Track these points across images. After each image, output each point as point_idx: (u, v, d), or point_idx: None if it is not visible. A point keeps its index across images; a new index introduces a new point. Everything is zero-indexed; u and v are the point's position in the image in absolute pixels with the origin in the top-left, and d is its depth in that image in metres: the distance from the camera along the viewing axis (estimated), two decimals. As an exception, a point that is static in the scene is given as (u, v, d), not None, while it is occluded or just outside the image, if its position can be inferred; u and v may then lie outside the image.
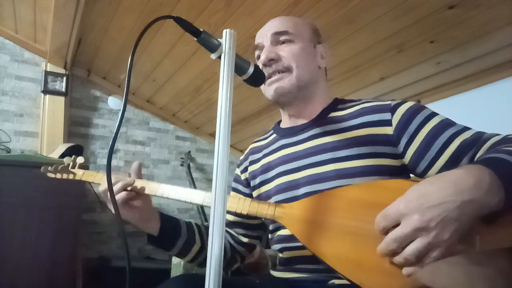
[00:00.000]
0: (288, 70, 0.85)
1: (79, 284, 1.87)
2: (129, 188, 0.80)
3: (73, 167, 0.94)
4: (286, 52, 0.86)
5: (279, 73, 0.86)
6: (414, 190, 0.54)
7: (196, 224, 0.94)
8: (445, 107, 1.84)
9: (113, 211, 0.72)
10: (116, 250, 2.44)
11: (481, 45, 1.54)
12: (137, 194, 0.81)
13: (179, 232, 0.88)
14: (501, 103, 1.67)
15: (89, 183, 0.92)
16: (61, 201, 1.80)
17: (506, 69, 1.63)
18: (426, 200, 0.52)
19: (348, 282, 0.61)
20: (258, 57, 0.92)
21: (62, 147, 2.06)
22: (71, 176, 0.93)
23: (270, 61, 0.86)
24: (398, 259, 0.53)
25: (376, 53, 1.71)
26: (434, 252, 0.50)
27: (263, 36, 0.89)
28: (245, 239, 0.98)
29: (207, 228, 0.95)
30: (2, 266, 1.63)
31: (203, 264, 0.91)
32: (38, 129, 2.33)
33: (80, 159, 0.94)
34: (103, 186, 0.79)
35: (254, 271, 1.73)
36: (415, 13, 1.43)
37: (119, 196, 0.77)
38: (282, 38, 0.87)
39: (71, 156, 0.96)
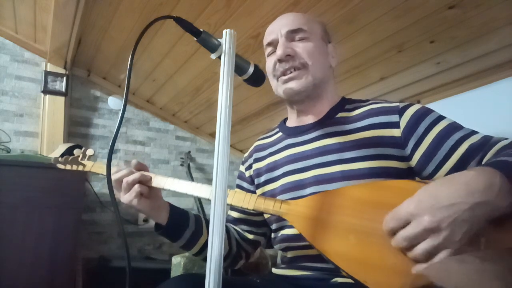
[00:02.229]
0: (304, 67, 0.84)
1: (79, 284, 1.87)
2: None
3: (83, 158, 0.95)
4: (302, 49, 0.84)
5: (295, 70, 0.84)
6: (425, 190, 0.54)
7: (205, 218, 0.94)
8: (445, 107, 1.84)
9: (123, 200, 0.78)
10: (116, 250, 2.44)
11: (481, 45, 1.54)
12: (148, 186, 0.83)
13: (187, 223, 0.88)
14: (501, 103, 1.66)
15: (89, 183, 0.93)
16: (61, 201, 1.81)
17: (506, 69, 1.63)
18: (437, 201, 0.52)
19: (351, 281, 0.61)
20: (269, 54, 0.90)
21: (62, 147, 2.06)
22: (80, 167, 0.94)
23: (287, 57, 0.84)
24: (409, 254, 0.54)
25: (376, 53, 1.71)
26: (444, 253, 0.51)
27: (277, 32, 0.88)
28: (250, 236, 0.98)
29: None
30: (2, 266, 1.63)
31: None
32: (38, 129, 2.33)
33: (90, 151, 0.96)
34: (118, 174, 0.80)
35: (254, 271, 1.73)
36: (415, 13, 1.43)
37: (135, 189, 0.79)
38: (298, 36, 0.86)
39: (73, 154, 0.97)
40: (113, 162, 2.58)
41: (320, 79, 0.86)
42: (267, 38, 0.91)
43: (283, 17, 0.90)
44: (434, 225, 0.50)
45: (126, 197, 0.79)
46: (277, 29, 0.88)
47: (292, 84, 0.84)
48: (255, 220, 0.97)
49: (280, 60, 0.85)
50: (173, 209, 0.88)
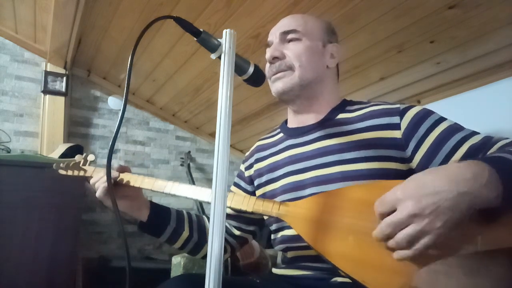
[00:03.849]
0: (290, 68, 0.86)
1: (79, 284, 1.88)
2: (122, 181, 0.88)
3: (84, 164, 0.97)
4: (291, 51, 0.87)
5: (282, 71, 0.87)
6: (412, 179, 0.56)
7: (188, 213, 0.97)
8: (445, 107, 1.84)
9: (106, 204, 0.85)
10: (116, 250, 2.44)
11: (481, 45, 1.54)
12: (124, 185, 0.88)
13: (168, 220, 0.92)
14: (501, 103, 1.66)
15: (90, 183, 0.95)
16: (61, 201, 1.80)
17: (506, 69, 1.63)
18: (422, 188, 0.53)
19: (350, 280, 0.61)
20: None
21: (62, 147, 2.06)
22: (81, 173, 0.97)
23: (274, 59, 0.87)
24: (390, 243, 0.55)
25: (376, 53, 1.71)
26: (425, 239, 0.52)
27: (273, 34, 0.91)
28: (237, 232, 0.99)
29: (198, 217, 0.99)
30: (2, 266, 1.63)
31: (194, 252, 0.96)
32: (38, 129, 2.33)
33: (91, 157, 0.99)
34: (93, 179, 0.89)
35: (254, 271, 1.73)
36: (415, 13, 1.43)
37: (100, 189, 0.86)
38: (289, 36, 0.88)
39: (72, 156, 0.98)
40: (113, 162, 2.58)
41: (309, 80, 0.86)
42: (267, 40, 0.94)
43: (282, 19, 0.93)
44: (418, 211, 0.51)
45: None
46: (274, 31, 0.92)
47: (279, 84, 0.87)
48: (246, 217, 0.98)
49: (269, 62, 0.89)
50: (154, 207, 0.92)
